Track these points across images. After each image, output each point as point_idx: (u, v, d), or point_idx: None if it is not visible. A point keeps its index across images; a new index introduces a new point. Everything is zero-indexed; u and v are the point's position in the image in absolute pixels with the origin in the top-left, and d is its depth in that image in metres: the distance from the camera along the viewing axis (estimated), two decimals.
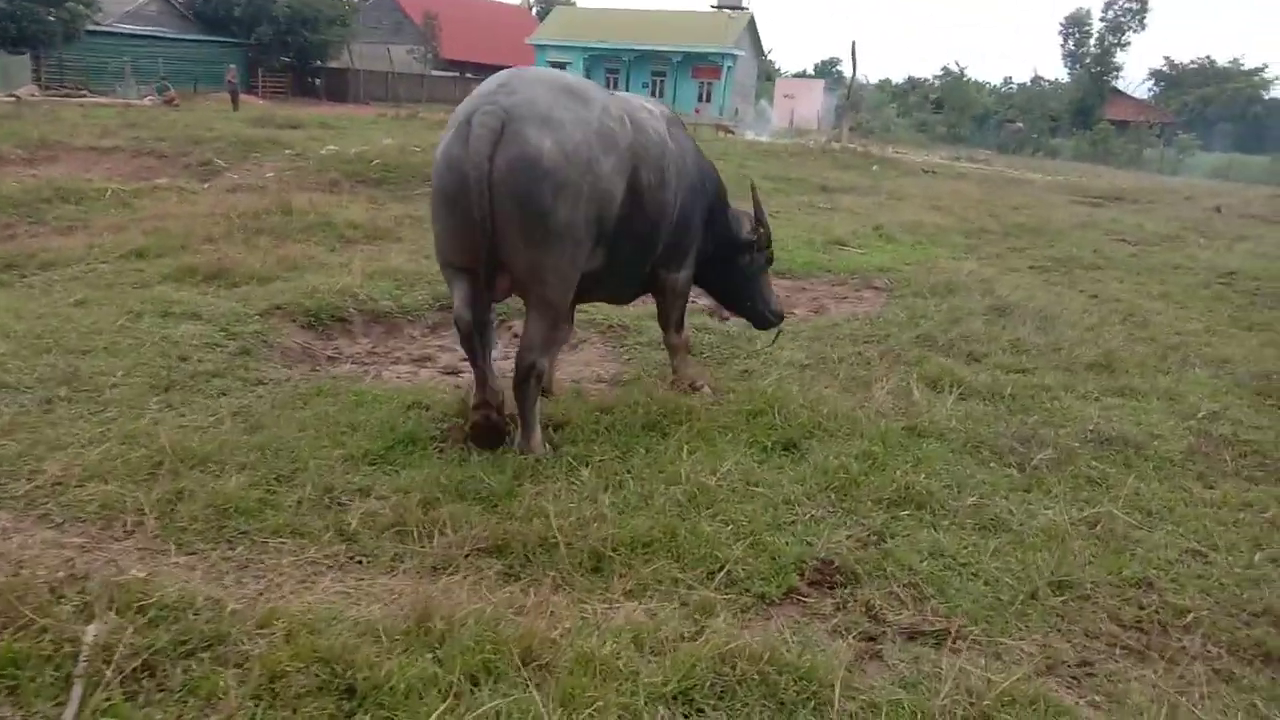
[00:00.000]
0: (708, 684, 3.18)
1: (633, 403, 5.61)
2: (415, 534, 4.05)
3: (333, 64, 50.63)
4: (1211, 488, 5.32)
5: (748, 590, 3.87)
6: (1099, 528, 4.63)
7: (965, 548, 4.33)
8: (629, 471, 4.79)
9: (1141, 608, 3.97)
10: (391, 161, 17.87)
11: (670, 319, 6.24)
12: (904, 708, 3.15)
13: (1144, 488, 5.16)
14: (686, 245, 5.97)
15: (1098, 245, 14.90)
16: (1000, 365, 7.34)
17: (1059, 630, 3.79)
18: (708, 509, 4.47)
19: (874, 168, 27.39)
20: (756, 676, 3.21)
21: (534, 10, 73.82)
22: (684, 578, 3.89)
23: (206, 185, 14.99)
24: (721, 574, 3.93)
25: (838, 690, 3.15)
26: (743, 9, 54.70)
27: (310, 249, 10.26)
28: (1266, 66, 73.42)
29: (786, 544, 4.21)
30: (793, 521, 4.47)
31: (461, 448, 4.97)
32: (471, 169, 4.41)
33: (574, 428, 5.30)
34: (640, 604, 3.67)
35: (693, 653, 3.28)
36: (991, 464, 5.36)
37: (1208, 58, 67.77)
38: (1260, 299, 11.55)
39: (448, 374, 7.03)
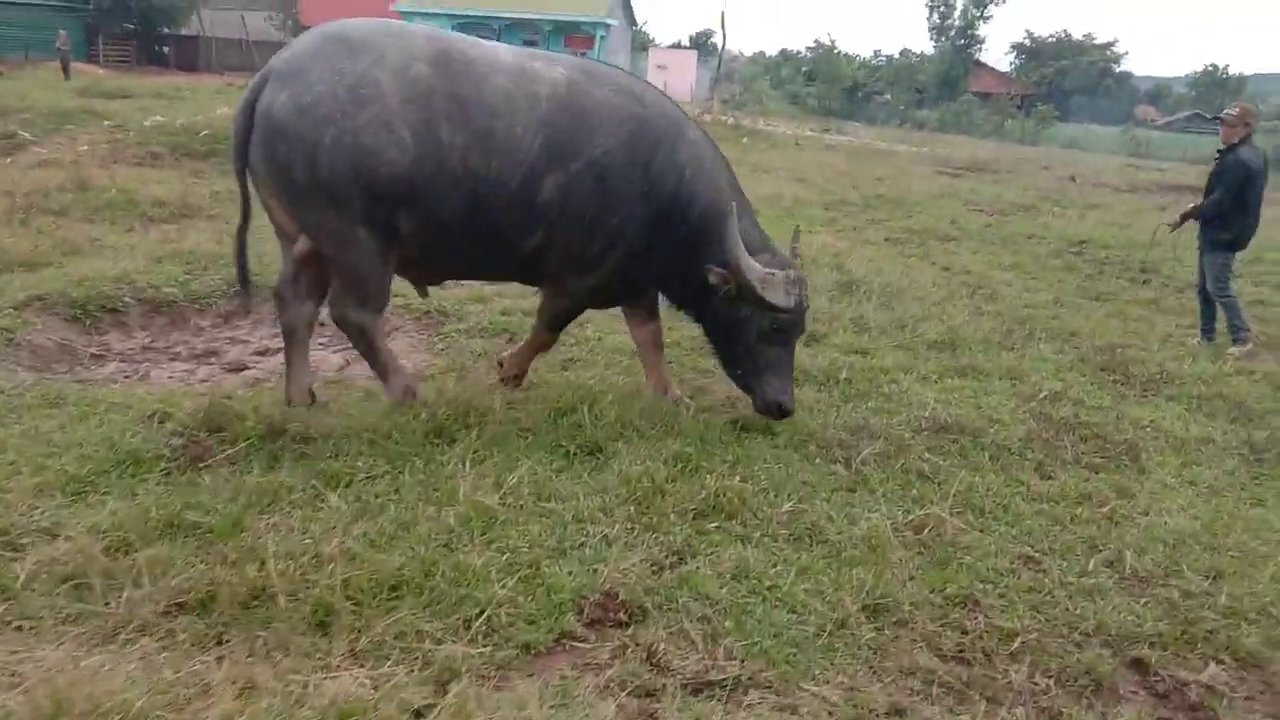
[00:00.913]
0: None
1: (418, 404, 4.88)
2: (99, 588, 3.26)
3: (184, 31, 47.47)
4: (1050, 478, 4.95)
5: (509, 640, 3.23)
6: (925, 533, 4.16)
7: (774, 566, 3.79)
8: (396, 492, 4.09)
9: (964, 632, 3.50)
10: (223, 132, 16.50)
11: (544, 314, 5.44)
12: None
13: (978, 482, 4.74)
14: (591, 247, 4.96)
15: (955, 216, 14.81)
16: (840, 346, 6.90)
17: (870, 666, 3.28)
18: (483, 534, 3.81)
19: (744, 140, 27.03)
20: None
21: None
22: (432, 629, 3.22)
23: (9, 160, 13.44)
24: (480, 621, 3.28)
25: None
26: None
27: (100, 230, 9.14)
28: (1117, 41, 76.62)
29: (568, 575, 3.59)
30: (581, 544, 3.84)
31: (194, 469, 4.17)
32: (232, 130, 4.59)
33: (343, 439, 4.54)
34: (367, 669, 2.98)
35: None
36: (816, 460, 4.86)
37: (1065, 31, 70.15)
38: (1109, 267, 11.55)
39: (233, 370, 6.17)
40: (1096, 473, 5.05)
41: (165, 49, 46.26)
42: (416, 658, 3.07)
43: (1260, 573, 4.10)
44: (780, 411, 5.06)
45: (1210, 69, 73.29)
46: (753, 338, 5.04)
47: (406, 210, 4.60)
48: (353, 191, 4.43)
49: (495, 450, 4.54)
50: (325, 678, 2.91)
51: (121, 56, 43.08)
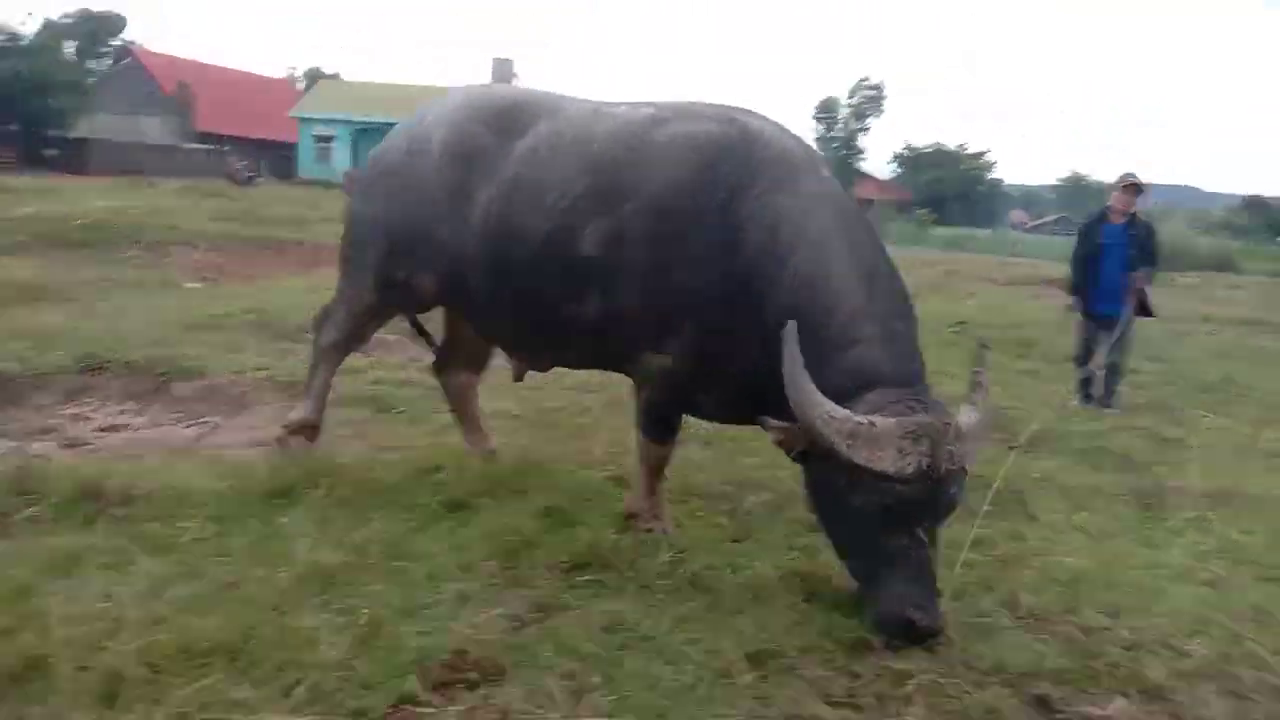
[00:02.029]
0: None
1: (259, 466, 4.43)
2: None
3: (73, 134, 46.17)
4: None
5: (337, 708, 2.78)
6: (814, 580, 3.86)
7: (649, 618, 3.43)
8: (222, 555, 3.61)
9: (855, 676, 3.18)
10: (102, 222, 15.94)
11: (639, 411, 4.21)
12: None
13: None
14: (653, 309, 3.84)
15: None
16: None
17: (753, 716, 2.93)
18: (320, 595, 3.36)
19: None
20: None
21: (300, 85, 71.24)
22: (244, 698, 2.75)
23: None
24: (303, 688, 2.82)
25: None
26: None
27: None
28: (989, 150, 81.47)
29: (415, 635, 3.17)
30: (434, 603, 3.43)
31: None
32: None
33: (169, 501, 4.05)
34: None
35: None
36: (699, 513, 4.56)
37: (940, 143, 74.17)
38: (989, 343, 11.75)
39: (69, 447, 5.60)
40: (988, 520, 4.86)
41: (53, 151, 44.85)
42: None
43: (1159, 607, 3.91)
44: (907, 630, 3.29)
45: (1074, 176, 78.47)
46: (858, 516, 3.36)
47: (429, 274, 4.47)
48: (376, 242, 4.58)
49: (344, 510, 4.11)
50: None
51: (3, 159, 41.55)
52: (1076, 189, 76.38)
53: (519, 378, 4.94)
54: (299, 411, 4.97)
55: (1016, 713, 3.10)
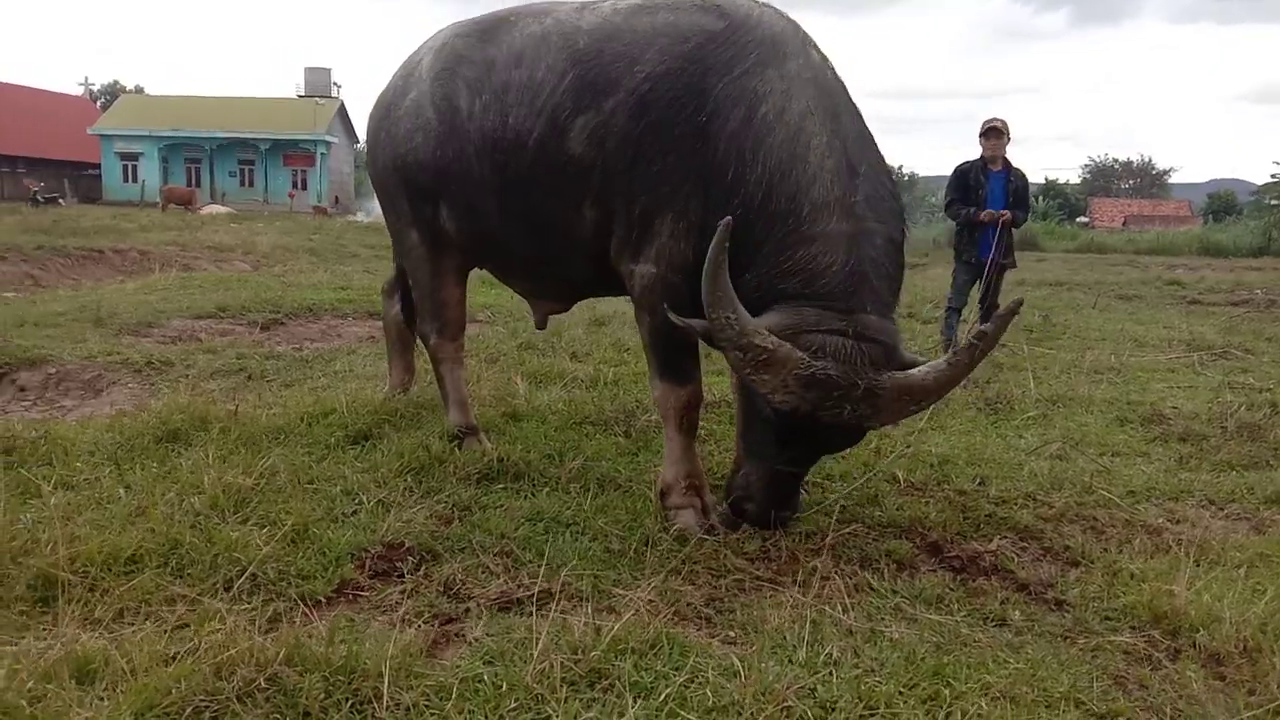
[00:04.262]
0: (186, 711, 2.07)
1: (146, 414, 4.29)
2: None
3: None
4: None
5: (280, 595, 2.79)
6: (717, 477, 4.10)
7: (569, 509, 3.58)
8: (126, 487, 3.51)
9: (766, 539, 3.42)
10: None
11: (646, 350, 3.81)
12: (484, 683, 2.26)
13: None
14: (636, 209, 3.52)
15: None
16: (604, 360, 6.87)
17: (681, 574, 3.12)
18: (236, 513, 3.32)
19: None
20: (266, 685, 2.16)
21: (99, 102, 66.82)
22: (186, 593, 2.72)
23: None
24: (243, 579, 2.82)
25: (387, 680, 2.19)
26: (332, 97, 53.19)
27: None
28: None
29: (343, 534, 3.19)
30: (355, 511, 3.46)
31: None
32: None
33: (56, 448, 3.88)
34: (101, 632, 2.46)
35: (166, 676, 2.16)
36: (597, 436, 4.71)
37: None
38: None
39: None
40: None
41: None
42: (167, 619, 2.58)
43: (1019, 474, 4.36)
44: (737, 511, 3.44)
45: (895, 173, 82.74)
46: (746, 406, 3.37)
47: (446, 205, 4.19)
48: (399, 188, 4.34)
49: (243, 448, 4.04)
50: (48, 646, 2.35)
51: None
52: (900, 184, 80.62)
53: (541, 325, 4.80)
54: (452, 418, 4.46)
55: (914, 556, 3.42)
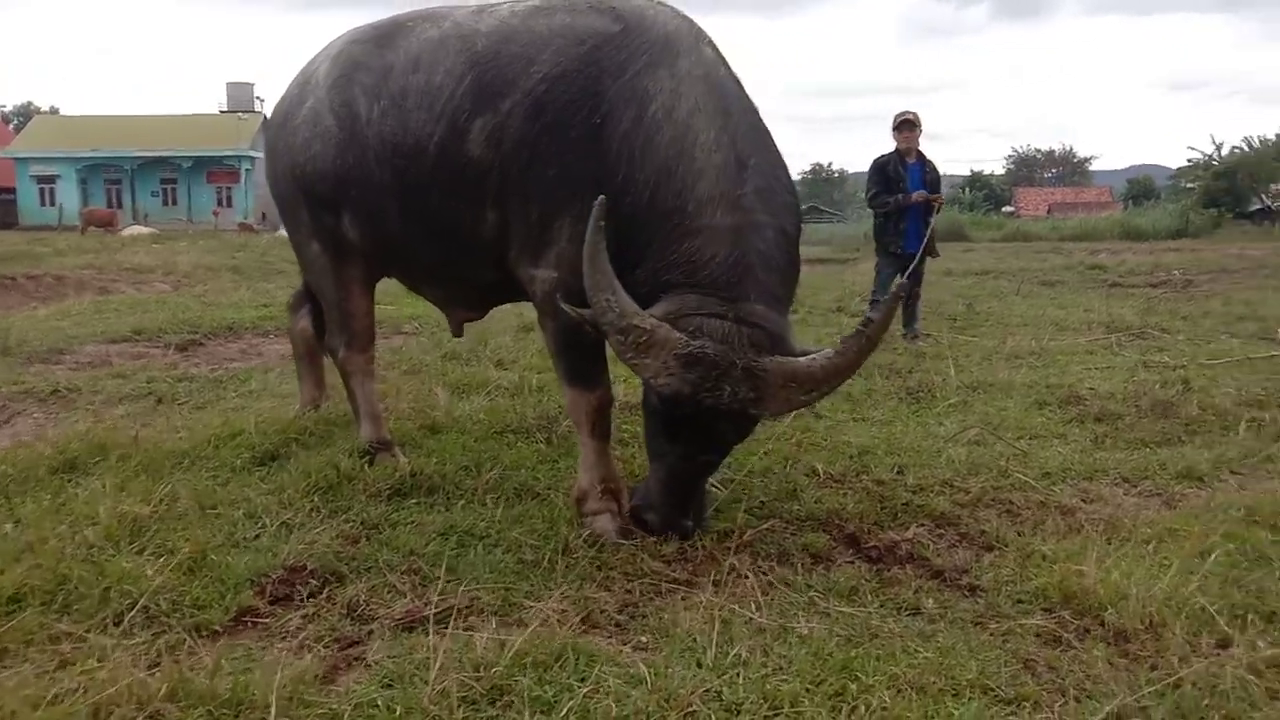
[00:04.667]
0: None
1: (41, 444, 4.12)
2: None
3: None
4: None
5: (173, 627, 2.67)
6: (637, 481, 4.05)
7: (483, 520, 3.50)
8: (15, 521, 3.35)
9: (683, 537, 3.38)
10: None
11: (552, 355, 3.78)
12: (379, 709, 2.17)
13: None
14: (533, 212, 3.48)
15: None
16: (529, 367, 6.80)
17: (595, 581, 3.06)
18: (132, 543, 3.19)
19: None
20: None
21: (11, 124, 64.75)
22: (72, 630, 2.59)
23: None
24: (134, 613, 2.69)
25: (274, 711, 2.10)
26: (255, 112, 52.12)
27: None
28: None
29: (243, 560, 3.08)
30: (257, 535, 3.34)
31: None
32: None
33: None
34: None
35: None
36: (519, 444, 4.64)
37: None
38: None
39: None
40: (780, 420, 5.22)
41: None
42: (52, 657, 2.45)
43: (937, 462, 4.39)
44: (643, 526, 3.37)
45: (816, 167, 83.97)
46: (646, 406, 3.38)
47: (348, 213, 4.08)
48: (298, 199, 4.20)
49: (143, 475, 3.89)
50: None
51: None
52: (819, 179, 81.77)
53: (457, 332, 4.74)
54: (364, 433, 4.34)
55: (830, 548, 3.41)
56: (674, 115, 3.26)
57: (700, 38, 3.52)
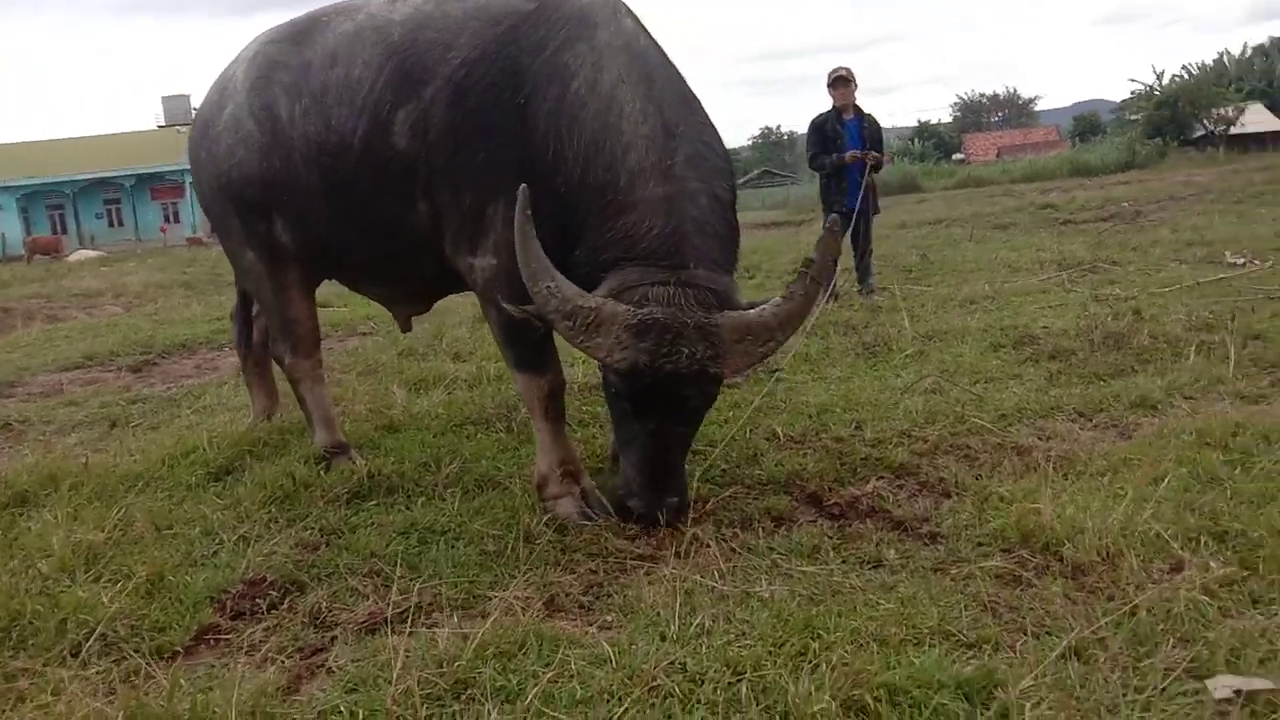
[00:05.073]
0: None
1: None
2: None
3: None
4: None
5: (131, 653, 2.63)
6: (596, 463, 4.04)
7: (445, 515, 3.48)
8: None
9: (677, 513, 3.36)
10: None
11: (499, 343, 3.74)
12: (342, 714, 2.16)
13: None
14: (464, 200, 3.43)
15: None
16: (487, 357, 6.75)
17: (559, 565, 3.05)
18: (88, 571, 3.14)
19: None
20: None
21: None
22: (28, 666, 2.55)
23: None
24: (92, 642, 2.65)
25: None
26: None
27: None
28: None
29: (201, 578, 3.04)
30: (215, 552, 3.30)
31: None
32: None
33: None
34: None
35: None
36: (478, 436, 4.61)
37: None
38: None
39: None
40: (740, 387, 5.24)
41: None
42: (7, 695, 2.40)
43: (894, 414, 4.42)
44: (626, 515, 3.28)
45: (766, 130, 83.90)
46: (608, 394, 3.29)
47: (279, 217, 4.00)
48: (226, 207, 4.11)
49: (96, 502, 3.83)
50: None
51: None
52: (770, 144, 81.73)
53: (406, 327, 4.70)
54: (318, 438, 4.29)
55: (792, 509, 3.42)
56: (598, 89, 3.21)
57: (618, 9, 3.48)
